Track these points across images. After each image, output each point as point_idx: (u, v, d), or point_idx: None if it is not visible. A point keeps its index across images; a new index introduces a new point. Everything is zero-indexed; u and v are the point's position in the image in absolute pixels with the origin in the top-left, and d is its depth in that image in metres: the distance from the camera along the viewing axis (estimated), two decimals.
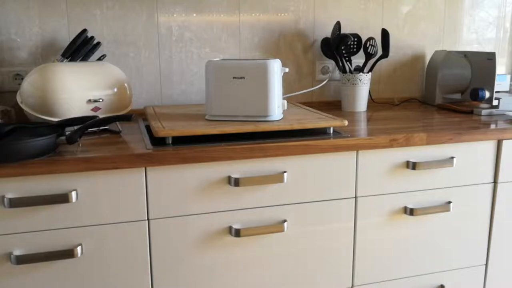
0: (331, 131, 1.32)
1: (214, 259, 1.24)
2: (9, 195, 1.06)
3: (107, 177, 1.12)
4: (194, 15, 1.67)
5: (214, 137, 1.25)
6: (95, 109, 1.35)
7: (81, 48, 1.45)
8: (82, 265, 1.14)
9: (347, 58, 1.74)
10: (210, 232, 1.22)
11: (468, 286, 1.50)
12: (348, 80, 1.71)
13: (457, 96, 1.86)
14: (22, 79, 1.51)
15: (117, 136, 1.30)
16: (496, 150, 1.43)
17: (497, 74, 1.76)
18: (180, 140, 1.22)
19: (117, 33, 1.60)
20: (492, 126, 1.42)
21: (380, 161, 1.32)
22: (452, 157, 1.38)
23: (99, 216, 1.13)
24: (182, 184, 1.18)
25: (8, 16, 1.51)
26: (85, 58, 1.48)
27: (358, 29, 1.85)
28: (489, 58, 1.65)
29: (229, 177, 1.20)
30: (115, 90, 1.39)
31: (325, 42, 1.79)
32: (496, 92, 1.68)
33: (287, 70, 1.34)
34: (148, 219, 1.17)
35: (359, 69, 1.76)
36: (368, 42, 1.72)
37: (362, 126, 1.43)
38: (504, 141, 1.42)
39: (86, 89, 1.33)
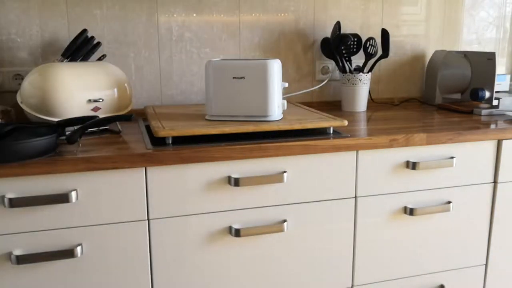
0: (331, 131, 1.32)
1: (214, 259, 1.24)
2: (9, 195, 1.06)
3: (107, 177, 1.12)
4: (194, 15, 1.67)
5: (214, 137, 1.25)
6: (95, 109, 1.35)
7: (81, 48, 1.45)
8: (82, 265, 1.14)
9: (347, 58, 1.75)
10: (210, 232, 1.22)
11: (468, 286, 1.50)
12: (348, 80, 1.71)
13: (457, 96, 1.86)
14: (22, 79, 1.51)
15: (117, 136, 1.30)
16: (496, 150, 1.43)
17: (497, 74, 1.76)
18: (180, 140, 1.22)
19: (117, 33, 1.60)
20: (492, 126, 1.42)
21: (380, 161, 1.32)
22: (452, 157, 1.38)
23: (99, 216, 1.13)
24: (182, 184, 1.18)
25: (8, 16, 1.51)
26: (85, 58, 1.48)
27: (358, 29, 1.85)
28: (489, 58, 1.65)
29: (229, 177, 1.20)
30: (115, 90, 1.39)
31: (325, 42, 1.79)
32: (496, 92, 1.68)
33: (286, 85, 1.35)
34: (148, 219, 1.17)
35: (359, 69, 1.76)
36: (368, 42, 1.73)
37: (362, 126, 1.43)
38: (504, 141, 1.42)
39: (86, 89, 1.33)
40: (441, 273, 1.47)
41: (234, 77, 1.29)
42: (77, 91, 1.31)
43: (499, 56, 2.05)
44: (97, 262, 1.15)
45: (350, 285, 1.38)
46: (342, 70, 1.74)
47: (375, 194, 1.34)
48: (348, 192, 1.31)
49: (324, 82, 1.85)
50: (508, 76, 1.85)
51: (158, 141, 1.22)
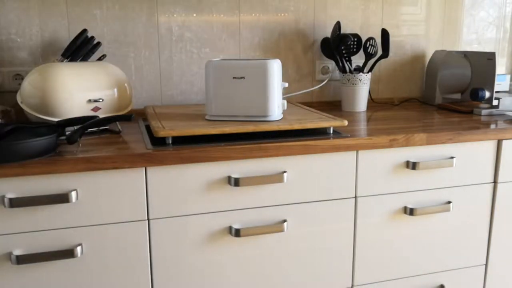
0: (331, 131, 1.32)
1: (214, 259, 1.24)
2: (9, 195, 1.06)
3: (107, 177, 1.12)
4: (194, 15, 1.67)
5: (214, 137, 1.25)
6: (95, 109, 1.35)
7: (81, 48, 1.45)
8: (82, 265, 1.14)
9: (347, 58, 1.75)
10: (210, 232, 1.22)
11: (468, 286, 1.50)
12: (348, 80, 1.71)
13: (457, 96, 1.86)
14: (22, 79, 1.51)
15: (117, 136, 1.30)
16: (496, 150, 1.43)
17: (497, 74, 1.76)
18: (180, 140, 1.22)
19: (117, 33, 1.60)
20: (492, 126, 1.42)
21: (380, 161, 1.32)
22: (452, 157, 1.38)
23: (99, 216, 1.13)
24: (182, 184, 1.18)
25: (8, 16, 1.51)
26: (85, 58, 1.48)
27: (358, 29, 1.85)
28: (489, 58, 1.65)
29: (229, 177, 1.20)
30: (115, 90, 1.39)
31: (325, 42, 1.79)
32: (496, 92, 1.68)
33: (286, 85, 1.35)
34: (148, 219, 1.17)
35: (359, 69, 1.76)
36: (368, 42, 1.73)
37: (362, 126, 1.43)
38: (504, 141, 1.42)
39: (86, 89, 1.33)
40: (441, 273, 1.47)
41: (234, 77, 1.29)
42: (77, 91, 1.31)
43: (499, 56, 2.05)
44: (97, 262, 1.15)
45: (350, 285, 1.38)
46: (342, 70, 1.74)
47: (375, 194, 1.34)
48: (348, 192, 1.31)
49: (324, 82, 1.85)
50: (508, 76, 1.85)
51: (158, 141, 1.22)
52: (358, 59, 1.81)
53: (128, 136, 1.30)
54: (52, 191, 1.09)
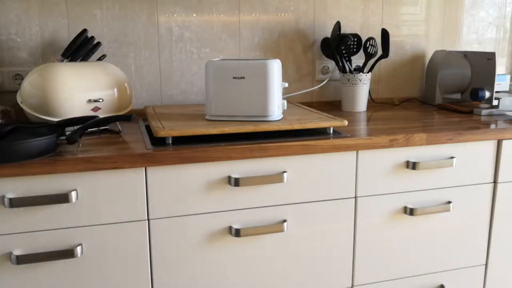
0: (331, 131, 1.33)
1: (214, 259, 1.24)
2: (9, 195, 1.06)
3: (107, 177, 1.12)
4: (194, 15, 1.67)
5: (214, 137, 1.25)
6: (95, 109, 1.35)
7: (81, 48, 1.45)
8: (82, 265, 1.14)
9: (347, 58, 1.75)
10: (210, 232, 1.22)
11: (468, 286, 1.50)
12: (348, 80, 1.71)
13: (457, 96, 1.86)
14: (22, 79, 1.51)
15: (117, 136, 1.30)
16: (496, 150, 1.43)
17: (497, 74, 1.76)
18: (180, 140, 1.22)
19: (117, 33, 1.60)
20: (492, 126, 1.42)
21: (380, 161, 1.32)
22: (452, 157, 1.38)
23: (99, 216, 1.13)
24: (182, 184, 1.18)
25: (8, 16, 1.51)
26: (85, 58, 1.48)
27: (358, 29, 1.85)
28: (489, 58, 1.65)
29: (229, 177, 1.20)
30: (115, 90, 1.39)
31: (325, 42, 1.79)
32: (496, 92, 1.68)
33: (286, 85, 1.35)
34: (148, 219, 1.17)
35: (359, 69, 1.76)
36: (368, 42, 1.73)
37: (362, 126, 1.43)
38: (504, 141, 1.42)
39: (86, 89, 1.33)
40: (441, 273, 1.47)
41: (234, 77, 1.29)
42: (77, 91, 1.31)
43: (499, 56, 2.05)
44: (97, 262, 1.15)
45: (350, 285, 1.38)
46: (342, 70, 1.74)
47: (375, 194, 1.34)
48: (348, 192, 1.31)
49: (324, 82, 1.85)
50: (508, 76, 1.85)
51: (158, 141, 1.22)
52: (358, 59, 1.81)
53: (128, 136, 1.30)
54: (52, 191, 1.09)
